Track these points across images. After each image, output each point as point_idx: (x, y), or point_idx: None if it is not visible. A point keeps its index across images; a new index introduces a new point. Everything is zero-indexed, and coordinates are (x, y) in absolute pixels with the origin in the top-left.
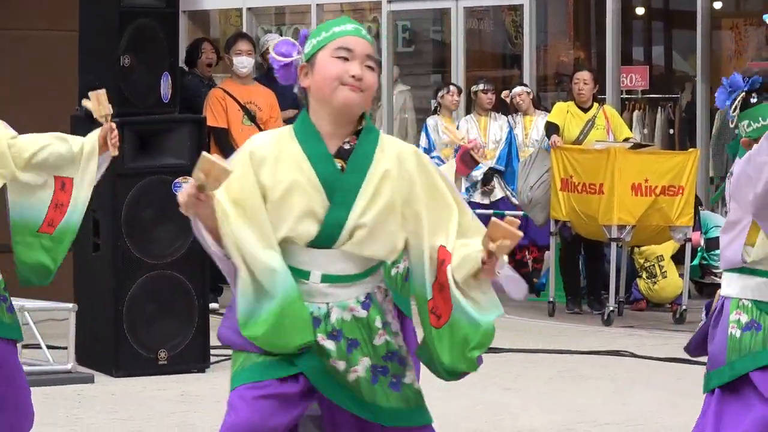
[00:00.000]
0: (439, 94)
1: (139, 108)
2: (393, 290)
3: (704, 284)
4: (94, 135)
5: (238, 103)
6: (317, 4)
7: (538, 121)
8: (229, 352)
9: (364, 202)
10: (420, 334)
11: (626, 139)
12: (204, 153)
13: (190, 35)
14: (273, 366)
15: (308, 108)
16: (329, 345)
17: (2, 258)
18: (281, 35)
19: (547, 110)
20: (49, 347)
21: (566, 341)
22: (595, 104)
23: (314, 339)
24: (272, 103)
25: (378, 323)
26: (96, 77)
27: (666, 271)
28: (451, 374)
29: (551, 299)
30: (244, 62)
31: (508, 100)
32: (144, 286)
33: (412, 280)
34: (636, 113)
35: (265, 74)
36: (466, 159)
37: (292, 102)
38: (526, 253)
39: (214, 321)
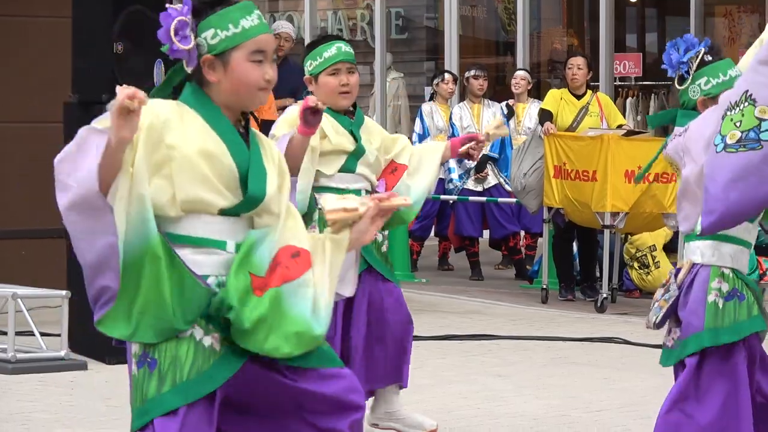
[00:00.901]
0: (434, 81)
1: None
2: (367, 255)
3: None
4: None
5: None
6: None
7: (531, 109)
8: None
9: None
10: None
11: (620, 126)
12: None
13: None
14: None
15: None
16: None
17: None
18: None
19: (540, 97)
20: (42, 334)
21: (559, 328)
22: (589, 91)
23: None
24: None
25: None
26: (89, 64)
27: (659, 261)
28: None
29: (544, 286)
30: None
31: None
32: None
33: None
34: (629, 100)
35: None
36: (309, 119)
37: (289, 91)
38: (519, 240)
39: None
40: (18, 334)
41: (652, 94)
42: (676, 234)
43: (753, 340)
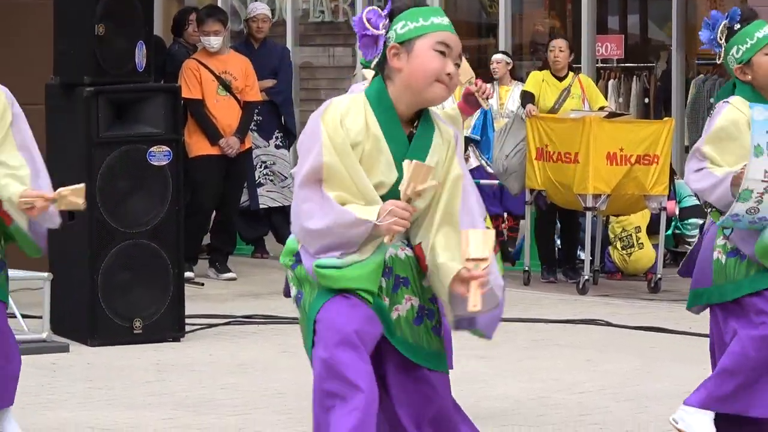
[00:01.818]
0: None
1: (114, 77)
2: None
3: (678, 253)
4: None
5: (213, 73)
6: None
7: (513, 92)
8: (203, 321)
9: None
10: None
11: (601, 108)
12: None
13: (165, 4)
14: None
15: (386, 83)
16: (381, 281)
17: None
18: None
19: (522, 80)
20: (24, 316)
21: (541, 310)
22: (571, 73)
23: None
24: (247, 71)
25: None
26: (71, 46)
27: (642, 243)
28: None
29: (526, 268)
30: (212, 42)
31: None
32: (119, 256)
33: None
34: (611, 82)
35: (243, 43)
36: (471, 100)
37: (270, 72)
38: (502, 222)
39: (189, 290)
40: None
41: (634, 76)
42: (656, 217)
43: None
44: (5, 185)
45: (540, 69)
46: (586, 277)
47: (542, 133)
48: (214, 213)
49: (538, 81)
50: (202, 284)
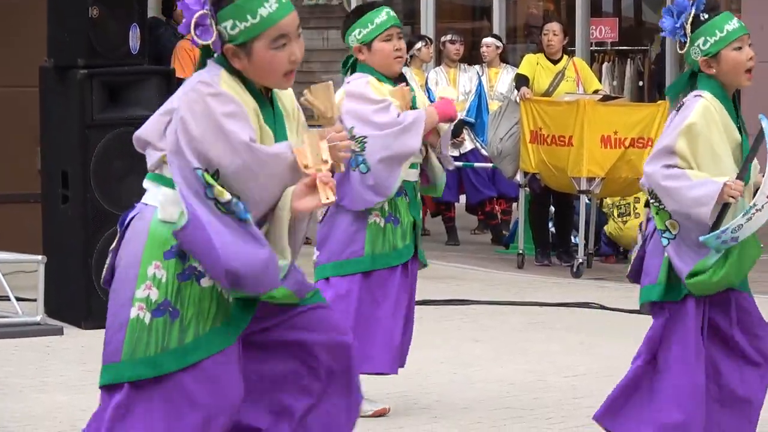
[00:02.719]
0: (416, 46)
1: (108, 60)
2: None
3: None
4: None
5: None
6: None
7: (503, 75)
8: None
9: None
10: None
11: (596, 91)
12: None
13: None
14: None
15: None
16: None
17: None
18: None
19: (516, 63)
20: (18, 299)
21: (535, 293)
22: (565, 56)
23: None
24: None
25: None
26: (65, 28)
27: (638, 213)
28: None
29: (520, 251)
30: None
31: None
32: (113, 239)
33: None
34: (605, 65)
35: None
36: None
37: None
38: (495, 205)
39: None
40: None
41: (628, 59)
42: None
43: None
44: None
45: (535, 52)
46: (580, 261)
47: (536, 116)
48: None
49: (532, 64)
50: None
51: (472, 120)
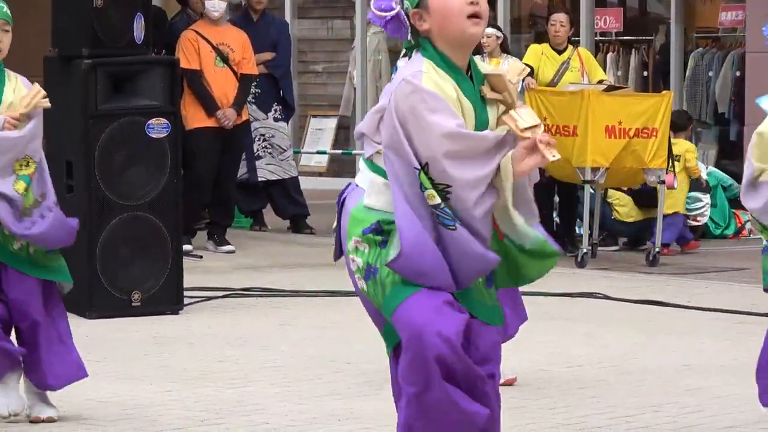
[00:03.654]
0: None
1: (112, 49)
2: None
3: None
4: None
5: (211, 44)
6: None
7: (503, 65)
8: (202, 294)
9: None
10: None
11: (600, 82)
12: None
13: None
14: None
15: (435, 49)
16: None
17: None
18: None
19: (521, 53)
20: None
21: (540, 283)
22: (570, 46)
23: None
24: (245, 44)
25: None
26: (69, 18)
27: None
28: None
29: None
30: (215, 5)
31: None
32: (117, 228)
33: None
34: (610, 55)
35: (242, 16)
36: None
37: (269, 45)
38: None
39: (188, 263)
40: None
41: (633, 50)
42: (646, 188)
43: None
44: None
45: (539, 42)
46: (585, 251)
47: (541, 106)
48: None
49: (537, 54)
50: (201, 257)
51: None
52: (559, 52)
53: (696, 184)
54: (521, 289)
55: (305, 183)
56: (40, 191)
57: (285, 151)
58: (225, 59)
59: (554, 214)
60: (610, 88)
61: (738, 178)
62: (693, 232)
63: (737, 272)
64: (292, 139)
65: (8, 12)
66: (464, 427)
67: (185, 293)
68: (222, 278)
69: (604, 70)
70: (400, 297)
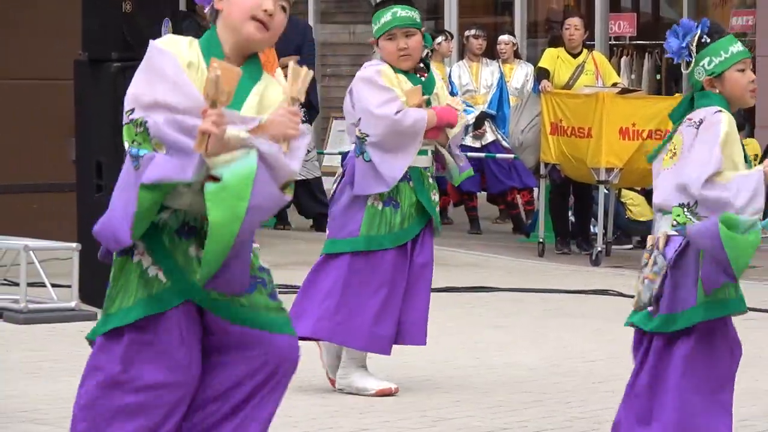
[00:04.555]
0: (437, 41)
1: (141, 54)
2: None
3: None
4: None
5: None
6: None
7: (517, 71)
8: None
9: None
10: None
11: (614, 85)
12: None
13: None
14: None
15: (217, 28)
16: None
17: None
18: None
19: (536, 57)
20: (53, 285)
21: (555, 281)
22: (585, 50)
23: None
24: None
25: None
26: (98, 22)
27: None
28: None
29: (541, 240)
30: None
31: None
32: None
33: None
34: (624, 59)
35: None
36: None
37: (293, 48)
38: (517, 195)
39: None
40: (30, 285)
41: (646, 54)
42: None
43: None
44: None
45: (554, 46)
46: (599, 249)
47: (557, 109)
48: None
49: (552, 57)
50: None
51: (493, 112)
52: (574, 56)
53: None
54: (541, 285)
55: (328, 183)
56: None
57: (309, 152)
58: None
59: (570, 214)
60: (624, 91)
61: None
62: None
63: (747, 269)
64: (315, 141)
65: None
66: None
67: None
68: None
69: (618, 74)
70: None
